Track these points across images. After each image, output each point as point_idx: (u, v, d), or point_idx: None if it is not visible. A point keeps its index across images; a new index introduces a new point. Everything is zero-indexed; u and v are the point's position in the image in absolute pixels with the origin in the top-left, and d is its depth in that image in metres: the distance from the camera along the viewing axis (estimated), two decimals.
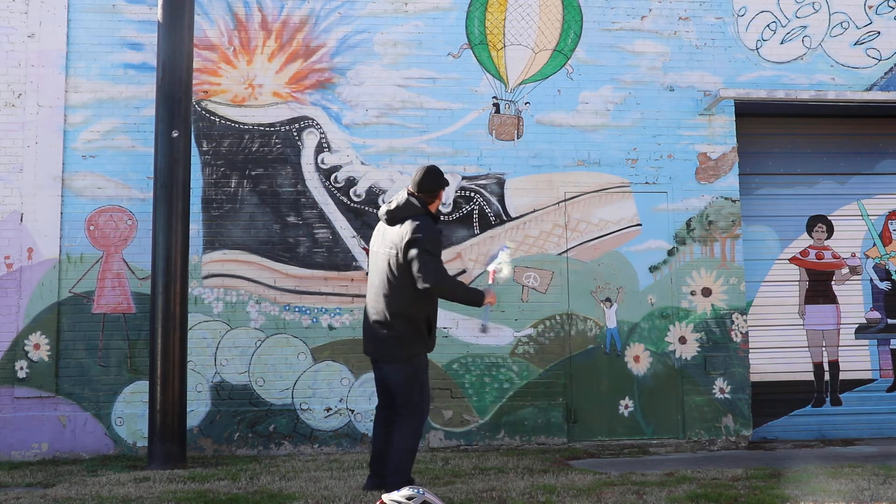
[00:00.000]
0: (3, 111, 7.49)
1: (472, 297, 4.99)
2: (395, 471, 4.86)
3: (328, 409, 7.41)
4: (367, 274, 5.10)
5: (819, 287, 8.27)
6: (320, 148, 7.71)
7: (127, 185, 7.52)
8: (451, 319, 7.34)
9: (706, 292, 7.83)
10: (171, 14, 6.87)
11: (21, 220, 7.39)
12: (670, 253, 7.85)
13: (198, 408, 7.29)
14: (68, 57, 7.59)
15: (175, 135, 6.76)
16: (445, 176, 5.18)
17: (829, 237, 8.33)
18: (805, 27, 8.29)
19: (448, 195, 7.62)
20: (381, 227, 5.11)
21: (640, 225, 7.86)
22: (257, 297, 7.49)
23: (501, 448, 7.38)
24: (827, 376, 8.15)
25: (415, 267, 4.78)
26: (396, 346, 4.88)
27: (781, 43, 8.25)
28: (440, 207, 5.28)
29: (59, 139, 7.49)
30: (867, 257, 8.35)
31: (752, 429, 7.72)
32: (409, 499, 3.86)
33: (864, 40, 8.33)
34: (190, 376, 7.08)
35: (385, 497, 3.94)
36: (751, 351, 7.84)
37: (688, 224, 7.89)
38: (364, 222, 7.61)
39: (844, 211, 8.38)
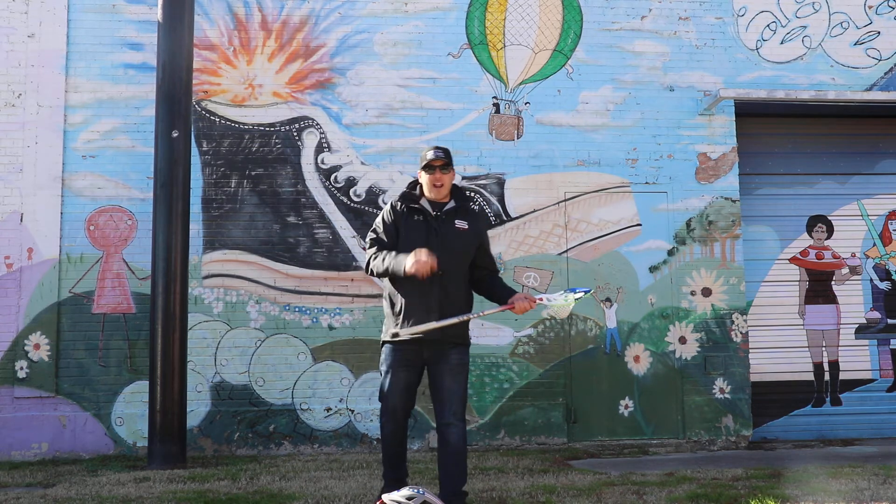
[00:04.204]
0: (3, 111, 7.49)
1: (397, 266, 4.41)
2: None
3: (328, 409, 7.41)
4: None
5: (819, 287, 8.27)
6: (320, 148, 7.71)
7: (127, 185, 7.52)
8: None
9: (706, 292, 7.83)
10: (171, 14, 6.87)
11: (21, 220, 7.39)
12: (670, 253, 7.85)
13: (198, 408, 7.29)
14: (68, 57, 7.59)
15: (175, 135, 6.76)
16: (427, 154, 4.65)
17: (829, 237, 8.33)
18: (805, 27, 8.29)
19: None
20: None
21: (640, 225, 7.86)
22: (257, 297, 7.49)
23: (501, 448, 7.38)
24: (827, 376, 8.15)
25: None
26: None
27: (781, 43, 8.25)
28: (429, 192, 4.63)
29: (59, 139, 7.49)
30: (867, 257, 8.35)
31: (752, 429, 7.72)
32: (409, 499, 3.86)
33: (864, 40, 8.33)
34: (190, 376, 7.08)
35: (385, 497, 3.95)
36: (751, 351, 7.84)
37: (688, 224, 7.89)
38: (364, 222, 7.61)
39: (844, 211, 8.38)
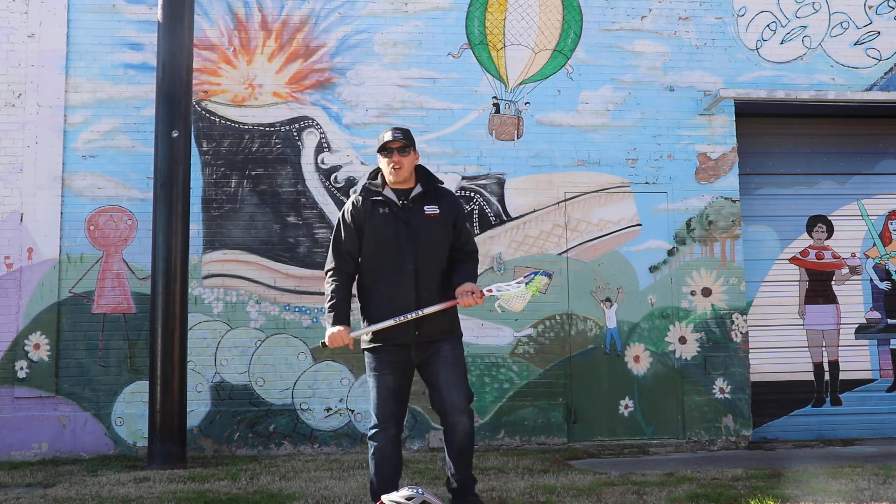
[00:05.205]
0: (3, 111, 7.49)
1: (327, 317, 4.23)
2: None
3: (328, 409, 7.41)
4: None
5: (819, 287, 8.27)
6: (320, 148, 7.72)
7: (127, 185, 7.52)
8: None
9: (706, 292, 7.83)
10: (171, 14, 6.87)
11: (21, 220, 7.39)
12: (670, 253, 7.85)
13: (198, 408, 7.29)
14: (68, 57, 7.59)
15: (175, 135, 6.76)
16: (385, 135, 4.27)
17: (829, 237, 8.33)
18: (805, 27, 8.29)
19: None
20: None
21: (640, 225, 7.86)
22: (257, 297, 7.49)
23: (501, 448, 7.38)
24: (827, 376, 8.15)
25: None
26: None
27: (781, 43, 8.25)
28: (389, 176, 4.27)
29: (59, 139, 7.49)
30: (867, 257, 8.35)
31: (752, 429, 7.72)
32: (409, 499, 3.85)
33: (864, 40, 8.33)
34: (190, 376, 7.08)
35: (385, 498, 3.94)
36: (751, 351, 7.84)
37: (688, 224, 7.89)
38: None
39: (844, 211, 8.37)
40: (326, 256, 4.35)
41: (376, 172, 4.35)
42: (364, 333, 4.18)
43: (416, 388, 4.41)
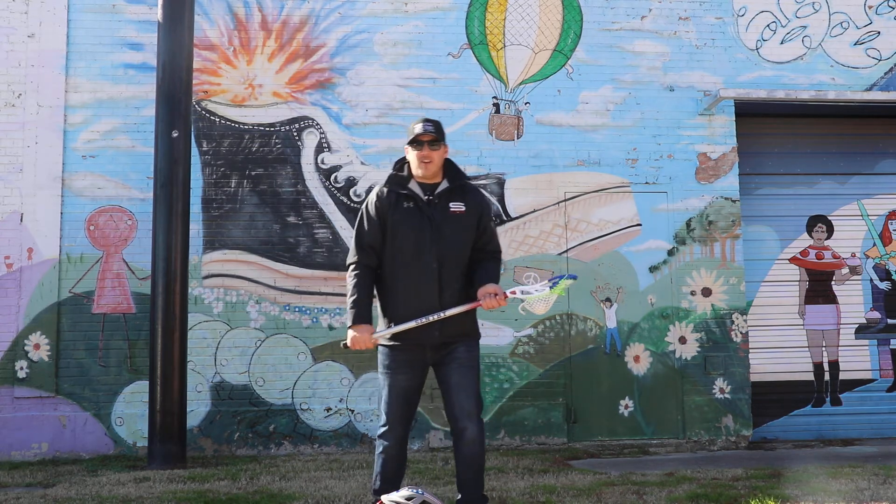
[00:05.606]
0: (3, 111, 7.49)
1: (349, 314, 4.09)
2: None
3: (328, 409, 7.41)
4: None
5: (819, 287, 8.27)
6: (320, 148, 7.72)
7: (127, 185, 7.52)
8: None
9: (706, 292, 7.83)
10: (171, 14, 6.87)
11: (21, 220, 7.39)
12: (670, 253, 7.85)
13: (198, 408, 7.29)
14: (68, 57, 7.59)
15: (175, 135, 6.76)
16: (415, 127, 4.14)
17: (829, 237, 8.33)
18: (805, 27, 8.29)
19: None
20: None
21: (640, 225, 7.86)
22: (257, 297, 7.49)
23: (501, 448, 7.38)
24: (827, 376, 8.15)
25: None
26: None
27: (781, 43, 8.25)
28: (417, 170, 4.12)
29: (59, 139, 7.49)
30: (867, 257, 8.35)
31: (752, 429, 7.72)
32: (409, 499, 3.85)
33: (864, 40, 8.33)
34: (190, 376, 7.08)
35: (385, 498, 3.94)
36: (751, 351, 7.84)
37: (688, 224, 7.89)
38: None
39: (844, 211, 8.38)
40: (349, 261, 4.22)
41: (402, 163, 4.20)
42: (387, 335, 4.05)
43: None
